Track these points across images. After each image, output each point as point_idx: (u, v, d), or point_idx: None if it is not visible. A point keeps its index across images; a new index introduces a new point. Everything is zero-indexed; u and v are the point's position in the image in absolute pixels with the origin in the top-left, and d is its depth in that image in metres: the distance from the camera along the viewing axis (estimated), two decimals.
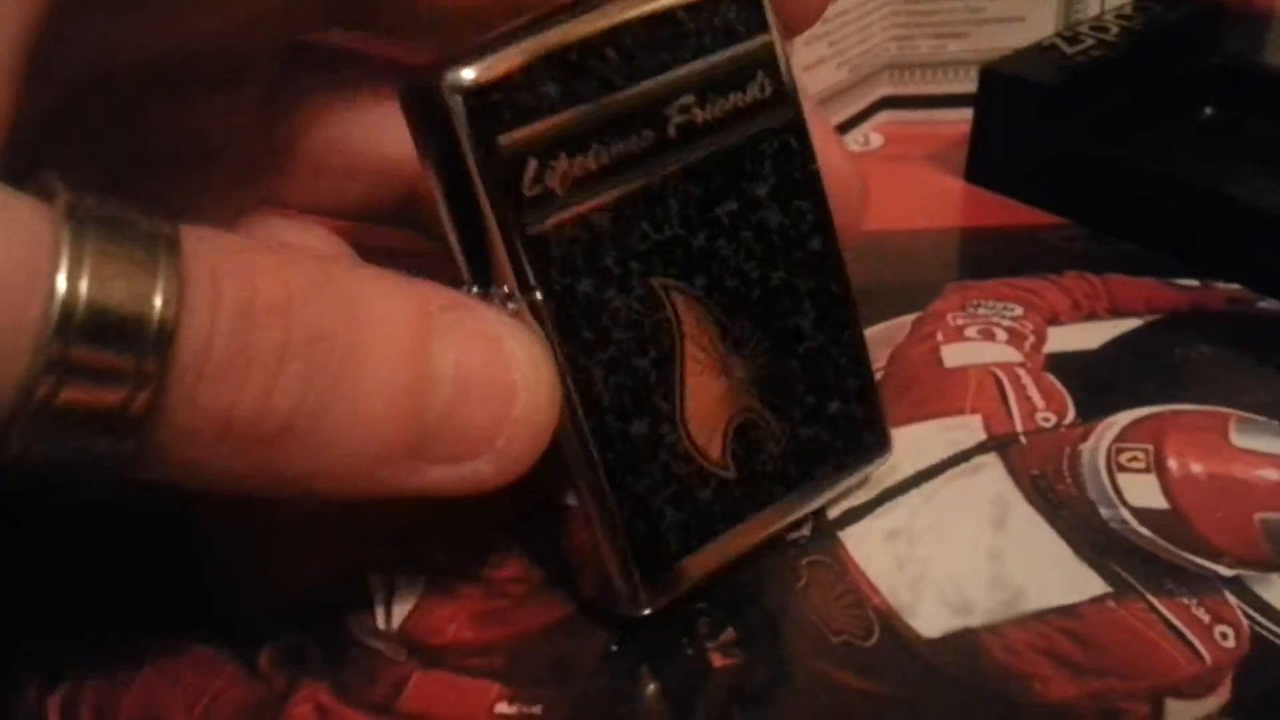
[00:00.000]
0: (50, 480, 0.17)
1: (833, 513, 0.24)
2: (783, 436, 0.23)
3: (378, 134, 0.23)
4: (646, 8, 0.20)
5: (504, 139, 0.19)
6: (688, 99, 0.21)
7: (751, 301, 0.22)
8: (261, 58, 0.23)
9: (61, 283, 0.14)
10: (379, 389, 0.18)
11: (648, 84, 0.20)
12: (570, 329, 0.20)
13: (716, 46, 0.21)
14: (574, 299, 0.20)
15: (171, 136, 0.23)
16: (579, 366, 0.20)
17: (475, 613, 0.23)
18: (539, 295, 0.20)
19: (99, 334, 0.15)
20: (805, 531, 0.24)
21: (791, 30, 0.23)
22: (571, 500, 0.22)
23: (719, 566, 0.22)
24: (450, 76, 0.18)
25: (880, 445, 0.24)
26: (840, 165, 0.24)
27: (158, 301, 0.15)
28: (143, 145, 0.22)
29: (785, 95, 0.22)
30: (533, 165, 0.19)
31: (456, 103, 0.18)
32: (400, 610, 0.23)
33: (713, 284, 0.22)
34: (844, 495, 0.24)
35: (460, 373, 0.19)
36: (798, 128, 0.22)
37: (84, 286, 0.15)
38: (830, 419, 0.23)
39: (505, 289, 0.20)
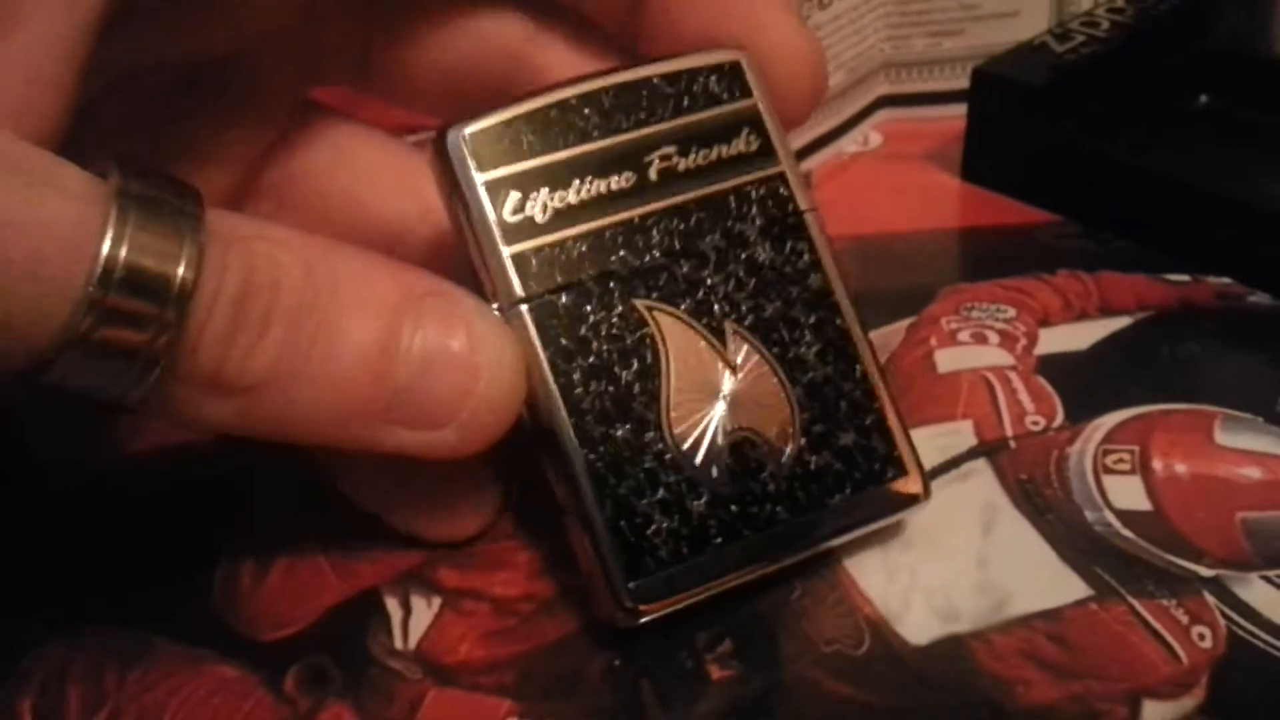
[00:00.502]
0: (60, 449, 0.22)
1: None
2: (785, 460, 0.23)
3: (368, 190, 0.26)
4: (624, 77, 0.24)
5: (488, 175, 0.23)
6: (668, 149, 0.23)
7: (745, 327, 0.23)
8: (276, 88, 0.26)
9: (106, 247, 0.18)
10: (351, 353, 0.21)
11: (625, 136, 0.23)
12: (550, 337, 0.22)
13: (696, 108, 0.24)
14: (554, 311, 0.23)
15: (182, 139, 0.25)
16: (559, 370, 0.22)
17: (486, 631, 0.24)
18: (522, 306, 0.22)
19: (132, 288, 0.18)
20: None
21: (787, 124, 0.25)
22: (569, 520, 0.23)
23: (719, 583, 0.23)
24: (454, 128, 0.23)
25: (903, 481, 0.24)
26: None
27: (180, 269, 0.19)
28: (154, 141, 0.24)
29: (772, 149, 0.24)
30: (515, 196, 0.23)
31: (455, 147, 0.23)
32: (416, 630, 0.24)
33: (699, 307, 0.23)
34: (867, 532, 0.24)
35: (429, 348, 0.22)
36: (786, 178, 0.24)
37: (123, 252, 0.18)
38: (843, 450, 0.23)
39: (496, 299, 0.23)
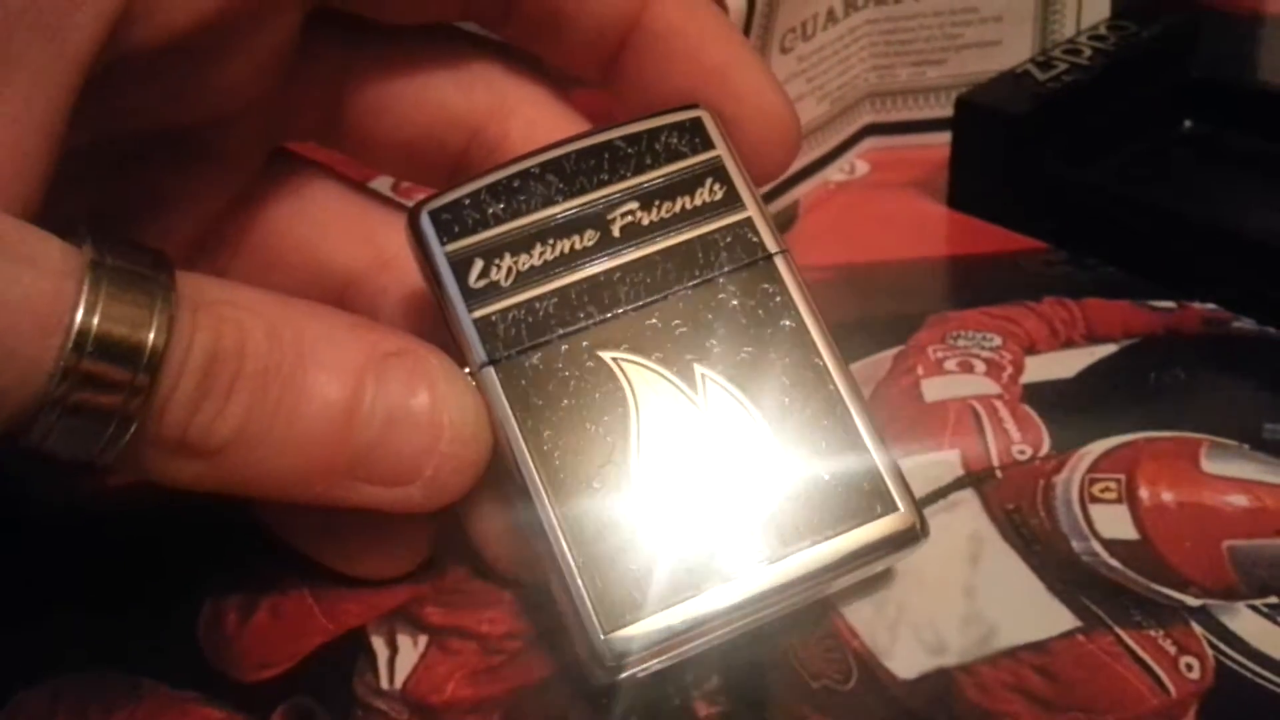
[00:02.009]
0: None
1: None
2: (769, 502, 0.22)
3: (324, 239, 0.27)
4: (586, 142, 0.24)
5: (452, 247, 0.23)
6: (631, 205, 0.24)
7: (718, 372, 0.23)
8: (245, 147, 0.26)
9: (79, 317, 0.19)
10: (315, 414, 0.22)
11: (587, 197, 0.24)
12: (518, 395, 0.23)
13: (658, 164, 0.24)
14: (521, 370, 0.23)
15: (150, 193, 0.25)
16: (528, 428, 0.22)
17: (473, 670, 0.24)
18: (489, 367, 0.23)
19: (105, 355, 0.19)
20: None
21: (760, 180, 0.25)
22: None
23: (701, 637, 0.22)
24: (421, 205, 0.24)
25: (894, 518, 0.23)
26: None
27: (151, 335, 0.20)
28: (121, 194, 0.25)
29: (736, 197, 0.24)
30: (479, 264, 0.23)
31: (422, 224, 0.24)
32: (402, 670, 0.24)
33: (670, 357, 0.23)
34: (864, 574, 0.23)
35: (393, 407, 0.22)
36: (753, 222, 0.24)
37: (96, 321, 0.19)
38: (827, 490, 0.23)
39: (467, 364, 0.23)
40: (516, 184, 0.24)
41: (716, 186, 0.24)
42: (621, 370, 0.23)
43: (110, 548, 0.27)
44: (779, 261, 0.24)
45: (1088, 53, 0.37)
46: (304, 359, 0.22)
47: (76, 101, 0.20)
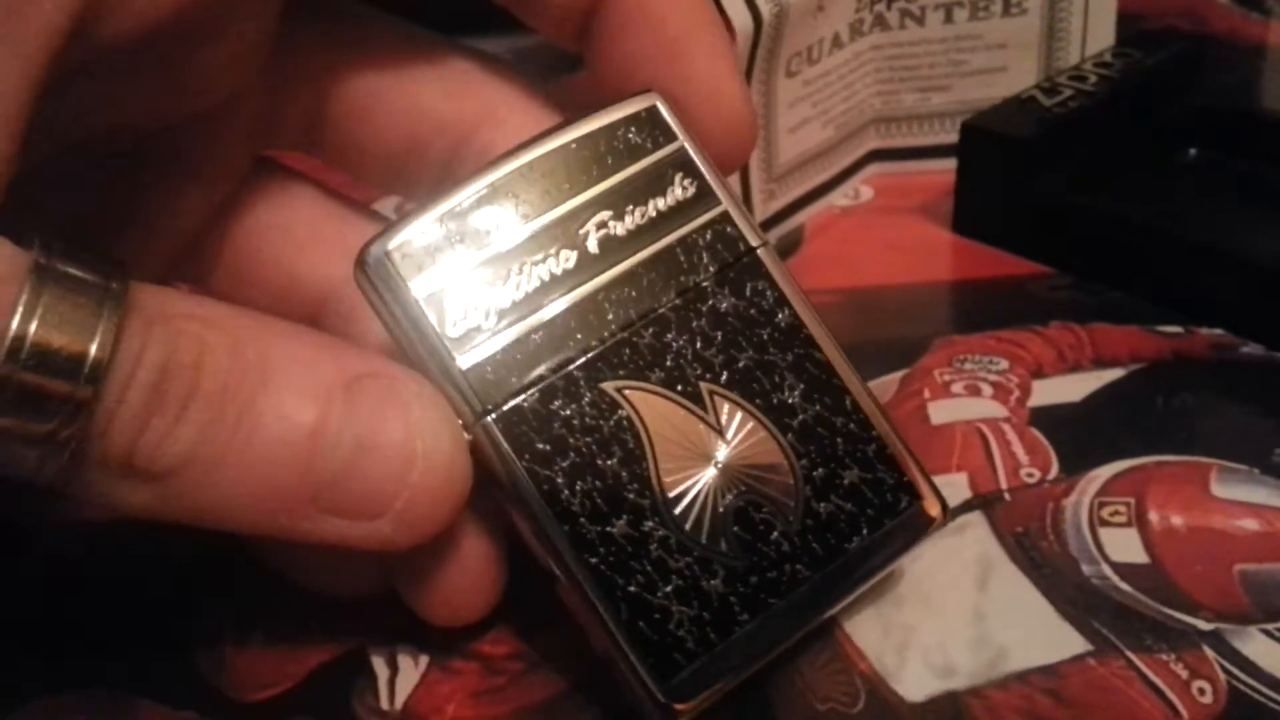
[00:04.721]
0: None
1: None
2: (794, 515, 0.22)
3: (298, 252, 0.26)
4: (542, 148, 0.22)
5: (422, 289, 0.21)
6: (603, 215, 0.22)
7: (722, 385, 0.22)
8: (224, 157, 0.25)
9: (14, 323, 0.18)
10: (277, 438, 0.20)
11: (555, 212, 0.22)
12: (523, 444, 0.21)
13: (622, 165, 0.23)
14: (521, 415, 0.21)
15: (129, 206, 0.24)
16: (540, 478, 0.21)
17: (474, 690, 0.24)
18: (487, 418, 0.21)
19: (42, 365, 0.18)
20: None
21: (725, 170, 0.24)
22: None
23: (756, 660, 0.22)
24: (375, 244, 0.21)
25: (920, 505, 0.23)
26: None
27: (93, 347, 0.18)
28: (100, 207, 0.24)
29: (709, 190, 0.23)
30: (454, 304, 0.21)
31: (380, 265, 0.21)
32: (403, 690, 0.24)
33: (670, 376, 0.22)
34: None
35: (362, 434, 0.21)
36: (730, 216, 0.23)
37: (32, 328, 0.18)
38: (850, 489, 0.22)
39: (460, 416, 0.21)
40: (476, 207, 0.22)
41: (687, 182, 0.23)
42: (626, 399, 0.22)
43: (109, 566, 0.27)
44: (763, 255, 0.23)
45: (1092, 79, 0.37)
46: (268, 378, 0.20)
47: (41, 101, 0.19)
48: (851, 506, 0.22)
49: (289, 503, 0.21)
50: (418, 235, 0.22)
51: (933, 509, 0.23)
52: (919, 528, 0.23)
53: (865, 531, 0.22)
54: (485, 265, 0.22)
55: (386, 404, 0.21)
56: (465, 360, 0.21)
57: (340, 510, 0.21)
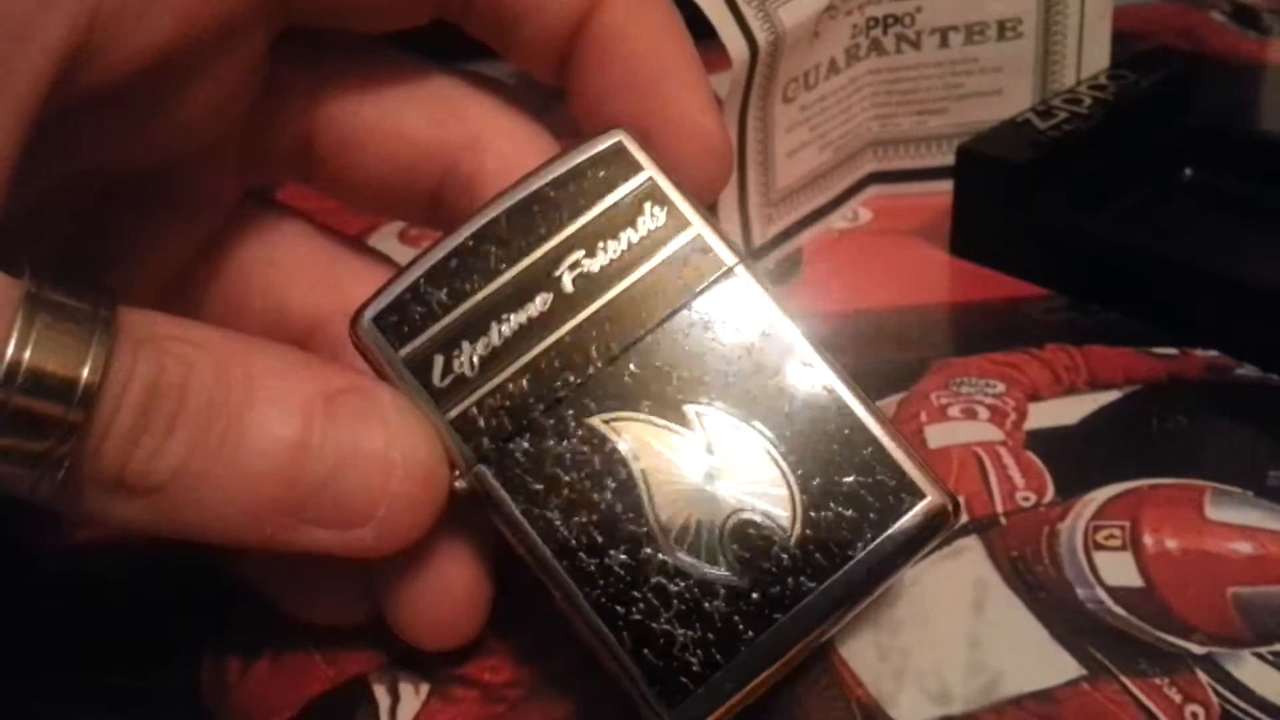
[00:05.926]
0: None
1: None
2: (793, 526, 0.22)
3: (286, 284, 0.26)
4: (513, 199, 0.23)
5: (406, 348, 0.23)
6: (576, 255, 0.23)
7: (710, 404, 0.23)
8: (214, 191, 0.26)
9: (10, 351, 0.19)
10: (261, 452, 0.21)
11: (530, 258, 0.23)
12: (516, 486, 0.22)
13: (591, 203, 0.23)
14: (512, 459, 0.22)
15: (119, 241, 0.25)
16: (535, 517, 0.22)
17: (476, 717, 0.24)
18: (480, 466, 0.22)
19: (36, 390, 0.19)
20: None
21: (703, 199, 0.24)
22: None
23: (764, 676, 0.21)
24: (359, 315, 0.23)
25: (925, 504, 0.22)
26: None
27: (85, 371, 0.19)
28: (90, 243, 0.24)
29: (679, 215, 0.23)
30: (439, 361, 0.23)
31: (367, 332, 0.23)
32: (404, 717, 0.24)
33: (659, 403, 0.22)
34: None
35: (343, 446, 0.21)
36: (703, 238, 0.23)
37: (27, 355, 0.19)
38: (849, 495, 0.22)
39: (455, 466, 0.22)
40: (454, 264, 0.23)
41: (657, 210, 0.23)
42: (614, 431, 0.22)
43: (111, 596, 0.27)
44: (740, 272, 0.23)
45: (1088, 102, 0.37)
46: (252, 394, 0.21)
47: (30, 144, 0.19)
48: (852, 512, 0.22)
49: (275, 514, 0.21)
50: (402, 299, 0.23)
51: (939, 507, 0.22)
52: (928, 528, 0.22)
53: (869, 536, 0.22)
54: (465, 319, 0.23)
55: (366, 416, 0.22)
56: (454, 411, 0.22)
57: (324, 520, 0.22)
